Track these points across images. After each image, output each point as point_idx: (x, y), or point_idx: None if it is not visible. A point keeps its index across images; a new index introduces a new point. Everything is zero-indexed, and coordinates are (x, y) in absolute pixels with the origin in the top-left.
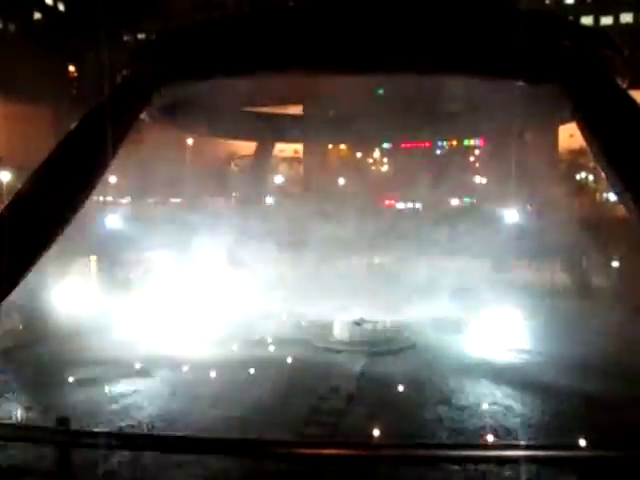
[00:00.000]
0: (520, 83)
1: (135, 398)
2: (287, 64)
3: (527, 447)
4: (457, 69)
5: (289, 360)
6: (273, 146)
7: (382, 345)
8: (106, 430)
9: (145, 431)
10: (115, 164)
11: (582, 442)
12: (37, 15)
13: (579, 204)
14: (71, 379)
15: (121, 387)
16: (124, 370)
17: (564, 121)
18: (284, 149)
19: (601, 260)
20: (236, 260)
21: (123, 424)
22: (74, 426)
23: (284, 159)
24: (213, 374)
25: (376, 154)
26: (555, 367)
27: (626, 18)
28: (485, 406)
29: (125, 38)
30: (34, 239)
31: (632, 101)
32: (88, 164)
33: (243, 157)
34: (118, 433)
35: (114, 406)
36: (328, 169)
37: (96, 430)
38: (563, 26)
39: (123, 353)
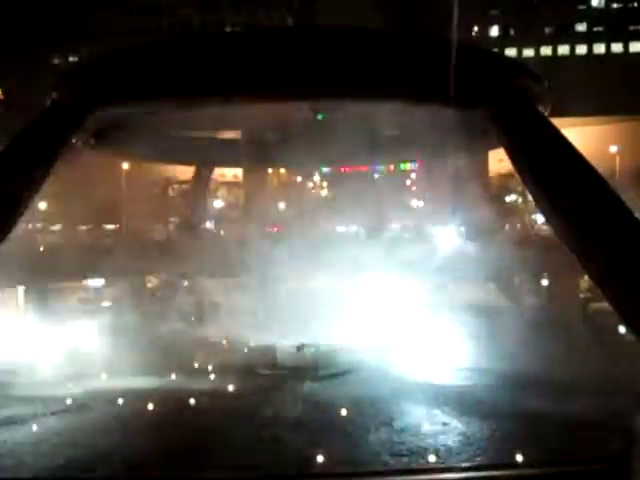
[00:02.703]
0: (446, 110)
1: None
2: (212, 91)
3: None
4: (386, 96)
5: (230, 388)
6: (211, 170)
7: (324, 369)
8: None
9: None
10: (45, 190)
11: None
12: None
13: (510, 225)
14: None
15: None
16: None
17: (492, 147)
18: (224, 173)
19: (532, 279)
20: (176, 287)
21: None
22: None
23: (224, 183)
24: (150, 405)
25: (316, 178)
26: None
27: (546, 51)
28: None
29: (56, 60)
30: None
31: (553, 128)
32: (14, 190)
33: (181, 182)
34: None
35: None
36: (268, 193)
37: None
38: (487, 57)
39: None
